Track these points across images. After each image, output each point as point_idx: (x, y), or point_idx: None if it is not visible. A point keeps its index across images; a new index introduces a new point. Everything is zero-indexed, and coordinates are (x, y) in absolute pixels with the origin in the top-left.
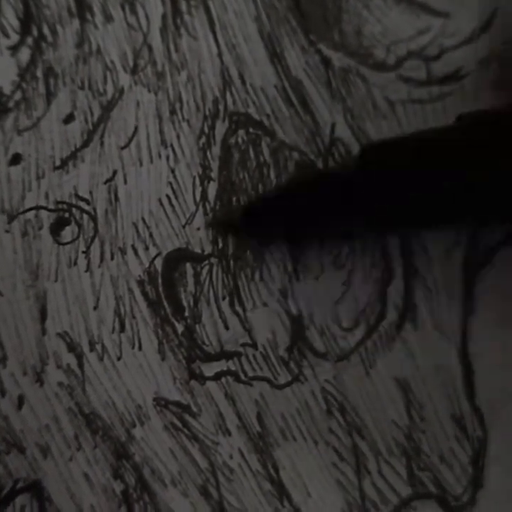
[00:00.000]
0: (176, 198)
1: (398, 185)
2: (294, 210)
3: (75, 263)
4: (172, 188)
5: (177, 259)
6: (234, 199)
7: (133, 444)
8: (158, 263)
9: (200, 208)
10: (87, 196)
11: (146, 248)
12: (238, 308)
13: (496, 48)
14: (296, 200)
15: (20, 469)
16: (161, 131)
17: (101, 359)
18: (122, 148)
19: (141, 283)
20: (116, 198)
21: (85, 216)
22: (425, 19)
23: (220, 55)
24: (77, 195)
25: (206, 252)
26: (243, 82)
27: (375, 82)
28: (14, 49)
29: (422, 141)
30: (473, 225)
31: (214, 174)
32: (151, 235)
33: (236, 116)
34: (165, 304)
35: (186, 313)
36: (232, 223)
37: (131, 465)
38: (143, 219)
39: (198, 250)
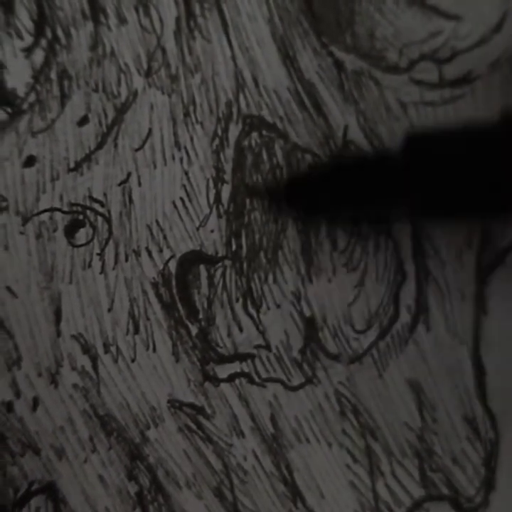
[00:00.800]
0: (190, 200)
1: (444, 175)
2: (338, 188)
3: (90, 265)
4: (186, 191)
5: (191, 261)
6: (247, 201)
7: (147, 446)
8: (172, 265)
9: (214, 210)
10: (101, 198)
11: (160, 250)
12: (252, 310)
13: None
14: (341, 179)
15: (35, 471)
16: (175, 134)
17: (115, 361)
18: (136, 150)
19: (155, 285)
20: (131, 200)
21: (100, 218)
22: (437, 22)
23: (233, 57)
24: (91, 198)
25: (220, 255)
26: (256, 85)
27: (387, 84)
28: (28, 51)
29: (466, 134)
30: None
31: (227, 176)
32: (165, 237)
33: (249, 118)
34: (179, 306)
35: (200, 316)
36: (274, 193)
37: (146, 466)
38: (157, 221)
39: (211, 252)
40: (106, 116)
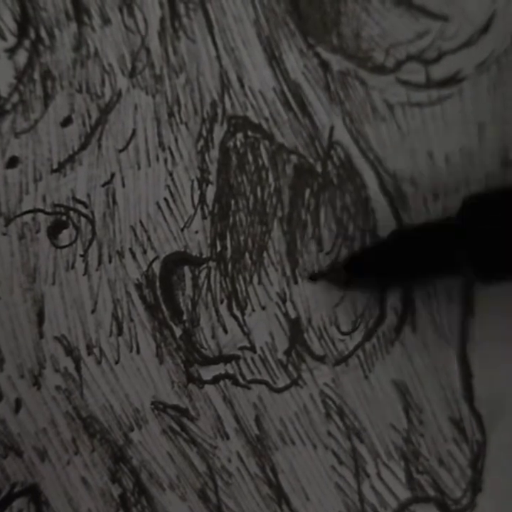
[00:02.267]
0: (174, 201)
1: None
2: (398, 262)
3: (73, 266)
4: (170, 191)
5: (175, 262)
6: (232, 202)
7: (131, 448)
8: (156, 266)
9: (199, 211)
10: (84, 199)
11: (144, 251)
12: (236, 311)
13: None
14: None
15: (17, 473)
16: (159, 134)
17: (99, 362)
18: (120, 151)
19: (139, 286)
20: (114, 201)
21: (83, 219)
22: (424, 22)
23: (218, 58)
24: (74, 198)
25: (204, 256)
26: (242, 86)
27: (373, 85)
28: (11, 51)
29: None
30: None
31: (212, 177)
32: (149, 239)
33: (234, 119)
34: (163, 307)
35: (184, 317)
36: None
37: (129, 469)
38: (141, 222)
39: (196, 254)
40: (90, 116)
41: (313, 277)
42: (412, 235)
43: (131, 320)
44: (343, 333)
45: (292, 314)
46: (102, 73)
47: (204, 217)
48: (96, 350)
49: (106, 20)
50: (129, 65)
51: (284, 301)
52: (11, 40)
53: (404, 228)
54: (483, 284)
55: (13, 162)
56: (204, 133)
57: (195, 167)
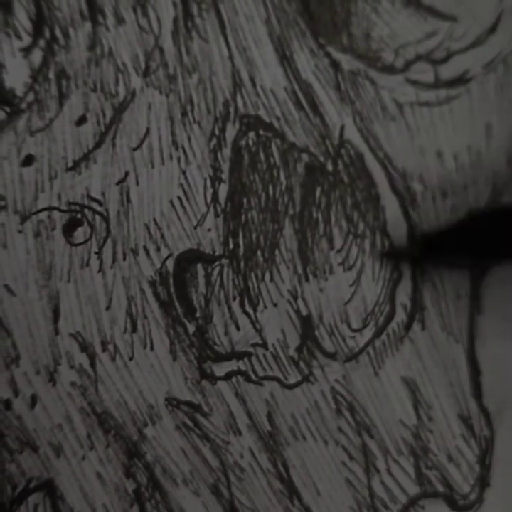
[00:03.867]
0: (187, 199)
1: None
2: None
3: (88, 264)
4: (183, 190)
5: (188, 260)
6: (244, 201)
7: (145, 443)
8: (170, 264)
9: (211, 209)
10: (99, 197)
11: (158, 249)
12: (249, 308)
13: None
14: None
15: (33, 468)
16: (173, 133)
17: (113, 359)
18: (134, 149)
19: (152, 283)
20: (128, 199)
21: (97, 217)
22: (433, 22)
23: (230, 57)
24: (89, 196)
25: (217, 253)
26: (253, 85)
27: (383, 84)
28: (27, 51)
29: None
30: None
31: (225, 176)
32: (162, 236)
33: (246, 118)
34: (176, 304)
35: (197, 314)
36: (411, 254)
37: (143, 464)
38: (154, 220)
39: (209, 251)
40: (104, 115)
41: (387, 254)
42: (486, 216)
43: (145, 317)
44: (353, 330)
45: (303, 311)
46: (116, 72)
47: (217, 215)
48: (110, 347)
49: (120, 20)
50: (143, 65)
51: (295, 299)
52: (27, 40)
53: (478, 211)
54: None
55: (28, 160)
56: (217, 132)
57: (207, 165)
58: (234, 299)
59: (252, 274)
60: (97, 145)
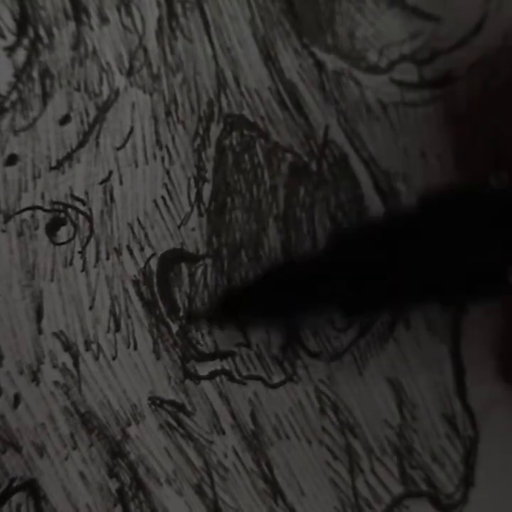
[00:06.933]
0: (171, 199)
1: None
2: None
3: (71, 263)
4: (167, 189)
5: (172, 259)
6: (228, 200)
7: (128, 443)
8: (154, 263)
9: (195, 208)
10: (82, 197)
11: (142, 248)
12: None
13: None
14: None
15: (16, 468)
16: (157, 133)
17: (96, 358)
18: (118, 149)
19: (136, 283)
20: (112, 199)
21: (81, 216)
22: (417, 23)
23: (215, 57)
24: (72, 196)
25: (201, 253)
26: (238, 85)
27: (367, 84)
28: (10, 50)
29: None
30: None
31: (209, 175)
32: (146, 236)
33: (230, 118)
34: (160, 303)
35: (181, 313)
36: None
37: (127, 464)
38: (138, 220)
39: (192, 251)
40: (88, 114)
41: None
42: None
43: (129, 316)
44: (338, 330)
45: None
46: (100, 72)
47: (200, 215)
48: (94, 346)
49: (104, 20)
50: (127, 64)
51: None
52: (10, 39)
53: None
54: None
55: (12, 160)
56: (201, 131)
57: (191, 165)
58: None
59: (236, 274)
60: (81, 144)
